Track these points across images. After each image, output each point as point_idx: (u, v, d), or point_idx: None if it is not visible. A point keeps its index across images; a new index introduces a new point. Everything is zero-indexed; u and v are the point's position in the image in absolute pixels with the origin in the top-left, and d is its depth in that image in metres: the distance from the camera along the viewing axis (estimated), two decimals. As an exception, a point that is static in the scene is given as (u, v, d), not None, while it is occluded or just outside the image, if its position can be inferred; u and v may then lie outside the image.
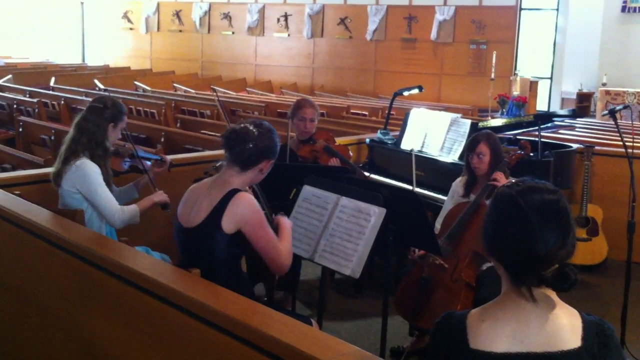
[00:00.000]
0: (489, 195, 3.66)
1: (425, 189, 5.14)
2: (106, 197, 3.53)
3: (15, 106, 9.79)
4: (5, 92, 11.44)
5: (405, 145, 5.63)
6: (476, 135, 4.02)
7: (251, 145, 2.79)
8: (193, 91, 14.18)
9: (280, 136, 5.21)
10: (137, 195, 3.93)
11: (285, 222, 3.01)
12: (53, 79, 14.15)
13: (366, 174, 5.39)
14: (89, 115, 3.63)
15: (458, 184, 4.14)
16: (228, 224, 2.72)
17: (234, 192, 2.75)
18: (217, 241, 2.73)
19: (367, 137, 6.20)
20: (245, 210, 2.73)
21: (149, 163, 3.96)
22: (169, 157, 4.13)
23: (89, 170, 3.50)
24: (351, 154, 4.84)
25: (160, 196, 3.75)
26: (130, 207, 3.61)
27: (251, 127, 2.84)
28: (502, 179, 3.75)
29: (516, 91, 13.65)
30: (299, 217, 3.25)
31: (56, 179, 3.58)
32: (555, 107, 15.25)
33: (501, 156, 3.96)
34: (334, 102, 12.37)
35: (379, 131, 6.09)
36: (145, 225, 4.08)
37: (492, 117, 11.37)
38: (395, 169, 5.64)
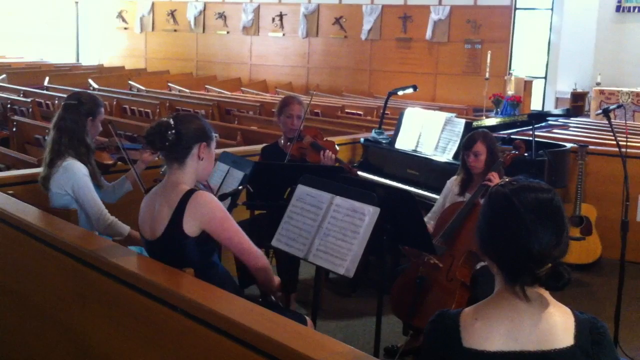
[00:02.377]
0: (484, 195, 3.67)
1: (419, 189, 5.14)
2: (93, 200, 3.48)
3: (9, 106, 9.76)
4: (-1, 91, 11.40)
5: (400, 144, 5.63)
6: (473, 134, 4.02)
7: (172, 134, 2.66)
8: (188, 91, 14.17)
9: (276, 136, 5.23)
10: (131, 188, 3.87)
11: None
12: (47, 78, 14.10)
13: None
14: (65, 114, 3.57)
15: (453, 183, 4.15)
16: (190, 226, 2.62)
17: (190, 192, 2.65)
18: (185, 246, 2.65)
19: (362, 137, 6.20)
20: (204, 209, 2.63)
21: (136, 152, 3.93)
22: None
23: (77, 172, 3.46)
24: (337, 148, 4.80)
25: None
26: (123, 226, 3.53)
27: (165, 119, 2.73)
28: (496, 179, 3.75)
29: (511, 90, 13.69)
30: (293, 217, 3.24)
31: (44, 183, 3.54)
32: (550, 107, 15.28)
33: (497, 155, 3.97)
34: (329, 102, 12.36)
35: (373, 130, 6.10)
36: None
37: (487, 117, 11.38)
38: (389, 169, 5.64)
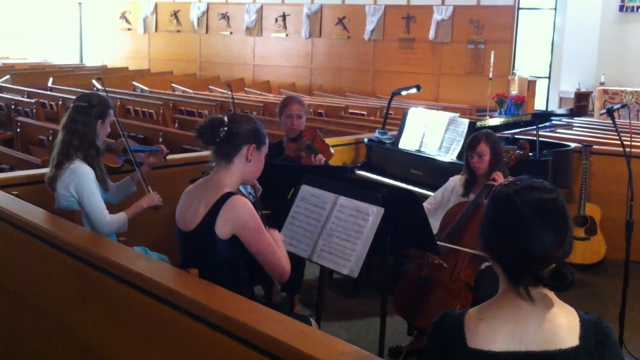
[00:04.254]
0: (487, 195, 3.66)
1: (423, 189, 5.14)
2: (97, 205, 3.47)
3: (13, 107, 9.78)
4: (3, 92, 11.42)
5: (404, 144, 5.63)
6: (476, 135, 4.02)
7: (225, 130, 2.70)
8: (191, 91, 14.18)
9: (279, 136, 5.23)
10: (135, 189, 3.87)
11: (277, 235, 2.91)
12: (51, 79, 14.12)
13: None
14: (76, 115, 3.55)
15: (457, 182, 4.14)
16: (222, 229, 2.64)
17: (227, 195, 2.66)
18: (215, 244, 2.67)
19: (366, 137, 6.19)
20: (239, 215, 2.64)
21: (143, 155, 3.93)
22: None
23: (83, 176, 3.46)
24: (332, 151, 4.79)
25: (149, 200, 3.66)
26: (119, 216, 3.53)
27: (220, 115, 2.78)
28: (500, 179, 3.75)
29: (514, 90, 13.66)
30: (297, 217, 3.24)
31: (51, 183, 3.54)
32: (553, 107, 15.26)
33: (501, 155, 3.96)
34: (333, 102, 12.36)
35: (377, 131, 6.09)
36: (144, 225, 4.08)
37: (490, 117, 11.37)
38: (393, 169, 5.64)
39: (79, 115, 3.56)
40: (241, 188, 3.35)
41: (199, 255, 2.73)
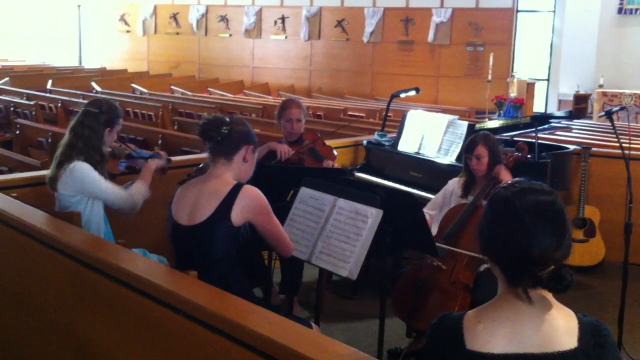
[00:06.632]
0: (487, 196, 3.67)
1: (422, 191, 5.14)
2: (108, 188, 3.53)
3: (12, 109, 9.77)
4: (2, 94, 11.41)
5: (403, 147, 5.63)
6: (474, 137, 4.02)
7: (227, 129, 2.87)
8: (190, 93, 14.18)
9: (279, 138, 5.23)
10: None
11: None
12: (50, 81, 14.12)
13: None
14: (84, 120, 3.60)
15: (456, 184, 4.14)
16: (237, 216, 2.80)
17: (239, 185, 2.83)
18: (220, 234, 2.80)
19: (364, 139, 6.20)
20: (254, 203, 2.83)
21: (143, 161, 3.95)
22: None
23: (83, 170, 3.48)
24: (335, 153, 4.79)
25: (157, 161, 3.81)
26: (135, 186, 3.61)
27: (221, 116, 2.98)
28: (502, 173, 3.78)
29: (513, 93, 13.68)
30: (296, 219, 3.24)
31: (52, 183, 3.57)
32: (552, 109, 15.28)
33: (499, 156, 3.96)
34: (331, 104, 12.37)
35: (376, 133, 6.10)
36: (143, 227, 4.08)
37: (489, 119, 11.38)
38: (392, 171, 5.64)
39: (88, 119, 3.61)
40: None
41: (199, 249, 2.83)
